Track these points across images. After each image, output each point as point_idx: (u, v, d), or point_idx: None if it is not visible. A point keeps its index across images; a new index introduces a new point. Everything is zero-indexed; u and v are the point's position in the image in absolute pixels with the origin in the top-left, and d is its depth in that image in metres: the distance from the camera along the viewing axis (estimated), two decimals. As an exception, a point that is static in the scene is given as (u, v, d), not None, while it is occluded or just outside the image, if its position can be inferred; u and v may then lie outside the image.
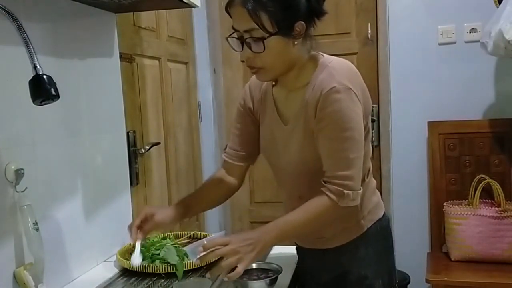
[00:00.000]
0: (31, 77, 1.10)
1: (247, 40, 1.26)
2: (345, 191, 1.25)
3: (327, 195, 1.27)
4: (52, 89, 1.11)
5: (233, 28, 1.30)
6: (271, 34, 1.24)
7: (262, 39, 1.24)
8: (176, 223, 1.44)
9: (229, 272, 1.21)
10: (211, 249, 1.22)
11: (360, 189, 1.29)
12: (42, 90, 1.11)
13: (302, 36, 1.29)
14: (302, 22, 1.27)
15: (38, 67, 1.10)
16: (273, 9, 1.23)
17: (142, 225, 1.43)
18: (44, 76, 1.10)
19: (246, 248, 1.22)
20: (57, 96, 1.12)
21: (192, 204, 1.52)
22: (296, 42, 1.29)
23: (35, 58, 1.10)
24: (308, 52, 1.35)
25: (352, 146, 1.27)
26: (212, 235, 1.31)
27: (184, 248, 1.28)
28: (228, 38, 1.31)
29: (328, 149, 1.29)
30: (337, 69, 1.31)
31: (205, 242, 1.26)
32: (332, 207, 1.27)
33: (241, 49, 1.29)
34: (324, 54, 1.38)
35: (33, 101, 1.12)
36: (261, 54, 1.27)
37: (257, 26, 1.24)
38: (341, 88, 1.26)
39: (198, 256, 1.23)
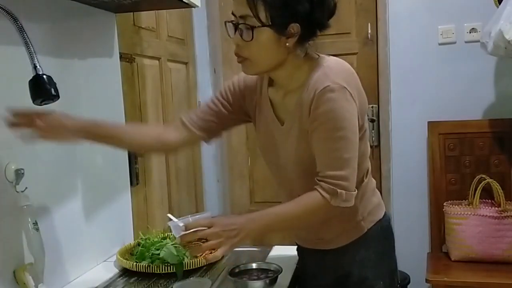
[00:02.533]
0: (31, 77, 1.10)
1: (240, 26, 1.26)
2: (338, 190, 1.24)
3: (319, 192, 1.25)
4: (52, 89, 1.11)
5: (232, 13, 1.30)
6: (262, 25, 1.24)
7: (253, 27, 1.24)
8: (76, 131, 1.29)
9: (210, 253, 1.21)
10: (193, 230, 1.20)
11: (354, 191, 1.28)
12: (42, 90, 1.11)
13: (296, 39, 1.27)
14: (298, 25, 1.26)
15: (38, 67, 1.10)
16: (271, 2, 1.23)
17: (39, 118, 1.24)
18: (44, 76, 1.10)
19: (229, 233, 1.21)
20: (57, 96, 1.12)
21: (107, 128, 1.38)
22: (287, 43, 1.27)
23: (35, 58, 1.10)
24: (303, 54, 1.34)
25: (345, 146, 1.26)
26: (197, 215, 1.28)
27: (168, 223, 1.27)
28: (227, 23, 1.31)
29: (321, 149, 1.28)
30: (332, 68, 1.30)
31: (190, 219, 1.24)
32: (324, 205, 1.26)
33: (233, 34, 1.29)
34: (320, 54, 1.37)
35: (33, 101, 1.12)
36: (249, 43, 1.26)
37: (251, 14, 1.23)
38: (336, 87, 1.25)
39: (180, 234, 1.22)
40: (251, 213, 1.30)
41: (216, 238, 1.20)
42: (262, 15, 1.24)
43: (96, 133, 1.36)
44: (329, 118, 1.25)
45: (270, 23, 1.24)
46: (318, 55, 1.36)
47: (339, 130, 1.25)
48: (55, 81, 1.12)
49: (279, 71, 1.34)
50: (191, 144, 1.53)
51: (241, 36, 1.27)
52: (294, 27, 1.26)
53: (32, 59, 1.10)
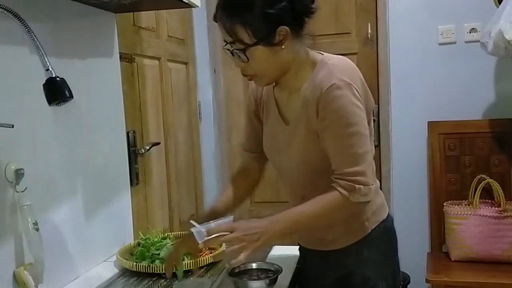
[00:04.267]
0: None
1: (233, 51, 1.28)
2: (357, 186, 1.24)
3: (338, 190, 1.25)
4: (66, 91, 1.14)
5: (224, 39, 1.31)
6: (249, 46, 1.25)
7: (244, 50, 1.25)
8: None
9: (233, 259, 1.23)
10: (215, 235, 1.22)
11: (372, 184, 1.28)
12: (57, 92, 1.13)
13: (289, 39, 1.27)
14: (285, 27, 1.25)
15: (51, 69, 1.12)
16: (249, 20, 1.23)
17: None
18: (58, 79, 1.13)
19: (252, 237, 1.22)
20: (71, 97, 1.15)
21: (220, 209, 1.47)
22: (283, 47, 1.27)
23: (47, 61, 1.12)
24: (305, 52, 1.34)
25: (359, 141, 1.26)
26: (220, 220, 1.29)
27: (191, 229, 1.29)
28: (224, 49, 1.33)
29: (335, 147, 1.28)
30: (336, 66, 1.30)
31: (212, 225, 1.25)
32: (343, 202, 1.25)
33: (232, 58, 1.31)
34: (324, 53, 1.37)
35: (49, 104, 1.15)
36: (248, 63, 1.28)
37: (234, 39, 1.25)
38: (342, 84, 1.25)
39: (203, 240, 1.23)
40: (273, 215, 1.29)
41: (239, 243, 1.21)
42: (245, 36, 1.24)
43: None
44: (339, 115, 1.25)
45: (256, 41, 1.24)
46: (322, 53, 1.36)
47: (350, 126, 1.25)
48: (57, 81, 1.13)
49: (286, 74, 1.35)
50: (263, 168, 1.58)
51: (239, 58, 1.28)
52: (282, 30, 1.25)
53: (44, 62, 1.12)
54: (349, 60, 1.36)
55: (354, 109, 1.25)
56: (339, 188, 1.25)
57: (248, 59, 1.26)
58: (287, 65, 1.32)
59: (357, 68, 1.34)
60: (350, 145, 1.26)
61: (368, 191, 1.26)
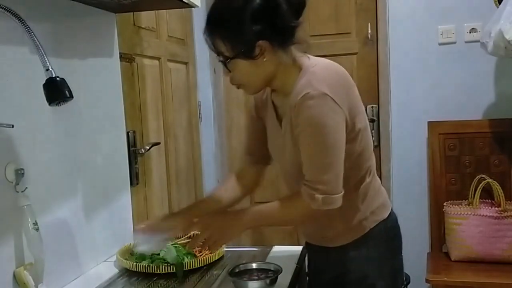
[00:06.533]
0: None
1: (220, 62, 1.33)
2: (316, 195, 1.26)
3: (303, 196, 1.29)
4: (66, 91, 1.14)
5: None
6: (229, 58, 1.29)
7: (225, 62, 1.30)
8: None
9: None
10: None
11: (340, 192, 1.28)
12: (57, 92, 1.14)
13: (270, 51, 1.28)
14: (265, 41, 1.26)
15: (51, 69, 1.12)
16: (227, 35, 1.27)
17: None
18: (58, 79, 1.13)
19: (215, 235, 1.35)
20: (71, 97, 1.15)
21: (199, 207, 1.58)
22: (265, 59, 1.28)
23: (47, 61, 1.12)
24: (292, 58, 1.34)
25: (326, 151, 1.26)
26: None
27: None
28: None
29: (304, 154, 1.30)
30: (316, 74, 1.30)
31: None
32: (306, 208, 1.29)
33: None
34: (310, 57, 1.36)
35: (49, 104, 1.15)
36: (232, 73, 1.32)
37: (216, 52, 1.30)
38: (315, 94, 1.24)
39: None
40: (238, 213, 1.38)
41: (207, 237, 1.35)
42: (224, 49, 1.29)
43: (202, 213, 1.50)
44: (308, 124, 1.27)
45: (235, 54, 1.28)
46: (309, 57, 1.36)
47: (318, 136, 1.26)
48: (57, 81, 1.13)
49: (273, 81, 1.36)
50: (259, 175, 1.61)
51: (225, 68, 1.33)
52: (261, 44, 1.27)
53: (44, 62, 1.12)
54: (334, 65, 1.35)
55: (325, 119, 1.25)
56: (303, 194, 1.29)
57: (230, 70, 1.31)
58: (271, 74, 1.34)
59: (341, 74, 1.34)
60: (316, 154, 1.28)
61: (330, 200, 1.27)
